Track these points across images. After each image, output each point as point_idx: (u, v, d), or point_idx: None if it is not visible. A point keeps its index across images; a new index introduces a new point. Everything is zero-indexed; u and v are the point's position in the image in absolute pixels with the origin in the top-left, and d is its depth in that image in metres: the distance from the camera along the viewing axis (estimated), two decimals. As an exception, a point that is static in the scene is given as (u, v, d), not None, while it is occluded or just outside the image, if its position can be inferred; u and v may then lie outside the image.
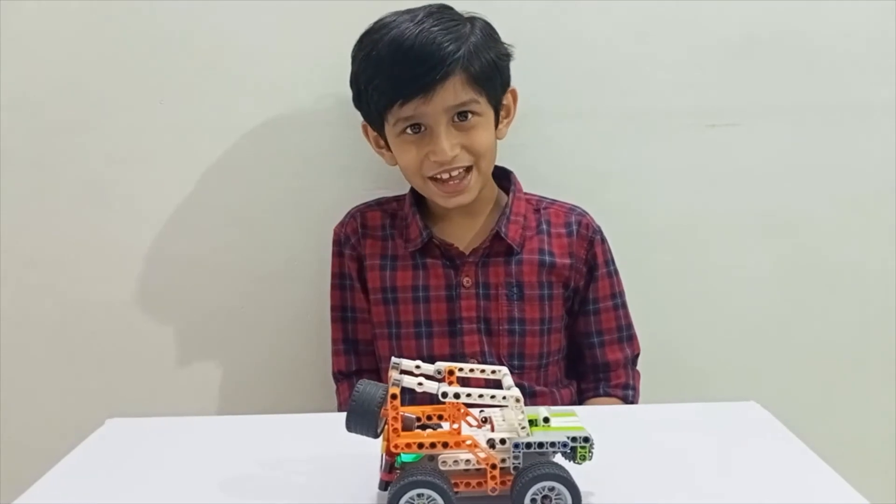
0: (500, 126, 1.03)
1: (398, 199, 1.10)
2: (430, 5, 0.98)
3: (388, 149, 1.04)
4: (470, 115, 0.98)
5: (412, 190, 1.08)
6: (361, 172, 1.17)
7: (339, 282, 1.10)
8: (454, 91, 0.95)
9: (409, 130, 0.98)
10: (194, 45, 1.13)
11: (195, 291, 1.19)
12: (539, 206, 1.08)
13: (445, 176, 0.99)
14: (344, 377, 1.10)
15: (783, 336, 1.23)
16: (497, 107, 1.01)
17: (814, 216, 1.21)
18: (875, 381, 1.24)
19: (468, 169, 0.99)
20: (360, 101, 1.01)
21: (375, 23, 0.98)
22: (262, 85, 1.14)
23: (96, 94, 1.14)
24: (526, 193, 1.09)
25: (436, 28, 0.94)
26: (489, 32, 0.99)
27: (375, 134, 1.04)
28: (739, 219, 1.20)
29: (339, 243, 1.09)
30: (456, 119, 0.97)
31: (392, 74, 0.94)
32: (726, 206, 1.20)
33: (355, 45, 1.00)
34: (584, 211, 1.09)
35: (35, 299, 1.19)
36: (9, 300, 1.19)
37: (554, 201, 1.10)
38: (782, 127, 1.18)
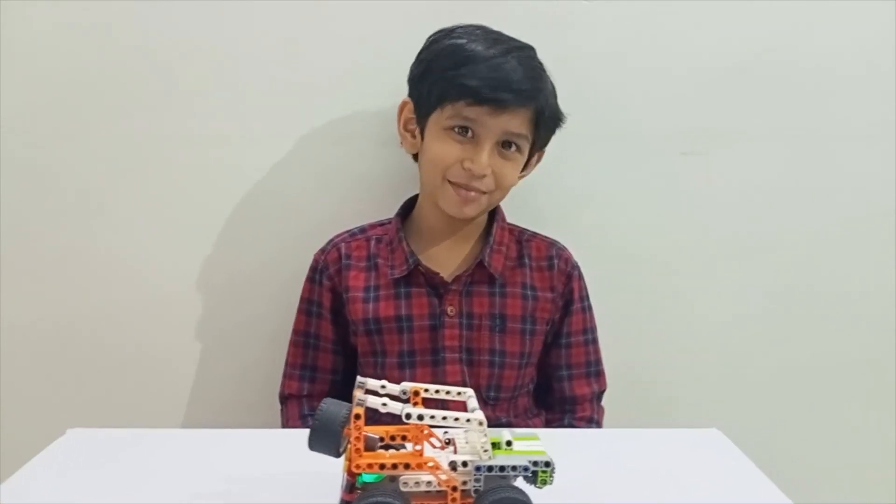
0: (520, 174, 1.06)
1: (382, 224, 1.10)
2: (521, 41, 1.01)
3: (414, 136, 1.05)
4: (513, 148, 1.01)
5: (398, 215, 1.09)
6: (347, 189, 1.17)
7: (308, 307, 1.08)
8: (518, 120, 0.98)
9: (457, 130, 0.99)
10: (189, 55, 1.13)
11: (170, 303, 1.18)
12: (521, 237, 1.10)
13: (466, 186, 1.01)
14: (293, 398, 1.08)
15: (754, 363, 1.25)
16: (530, 157, 1.05)
17: (788, 244, 1.23)
18: (845, 410, 1.26)
19: (483, 193, 1.01)
20: (423, 79, 1.01)
21: (466, 25, 1.01)
22: (254, 98, 1.14)
23: (90, 103, 1.13)
24: (509, 224, 1.10)
25: (530, 61, 1.00)
26: (556, 93, 1.04)
27: (411, 117, 1.05)
28: (712, 245, 1.22)
29: (317, 270, 1.08)
30: (501, 146, 1.00)
31: (479, 74, 0.95)
32: (700, 232, 1.22)
33: (439, 33, 1.01)
34: (563, 246, 1.11)
35: (8, 307, 1.17)
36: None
37: (535, 234, 1.11)
38: (757, 154, 1.20)
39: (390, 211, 1.11)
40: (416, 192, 1.10)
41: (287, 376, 1.09)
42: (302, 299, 1.09)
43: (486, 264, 1.04)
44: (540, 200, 1.18)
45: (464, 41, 0.99)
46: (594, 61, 1.16)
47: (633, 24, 1.16)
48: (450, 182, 1.01)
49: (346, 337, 1.08)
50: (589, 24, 1.15)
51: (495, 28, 1.02)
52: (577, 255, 1.11)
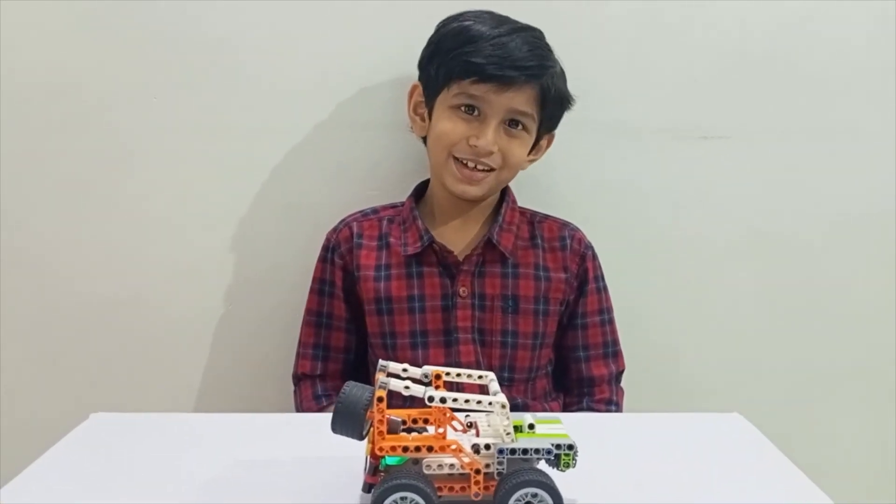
0: (529, 156, 1.06)
1: (394, 206, 1.11)
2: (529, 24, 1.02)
3: (424, 119, 1.05)
4: (519, 127, 1.01)
5: (412, 196, 1.09)
6: (353, 176, 1.17)
7: (320, 287, 1.09)
8: (524, 98, 0.99)
9: (463, 108, 1.00)
10: (188, 43, 1.13)
11: (183, 291, 1.18)
12: (533, 219, 1.10)
13: (471, 164, 1.01)
14: (307, 378, 1.09)
15: (771, 349, 1.24)
16: (538, 138, 1.05)
17: (801, 233, 1.22)
18: (857, 396, 1.26)
19: (491, 170, 1.02)
20: (431, 61, 1.02)
21: (474, 10, 1.02)
22: (256, 85, 1.14)
23: (85, 92, 1.13)
24: (520, 207, 1.10)
25: (536, 40, 1.00)
26: (565, 76, 1.04)
27: (420, 100, 1.05)
28: (728, 232, 1.21)
29: (328, 249, 1.09)
30: (507, 124, 1.00)
31: (484, 52, 0.96)
32: (716, 219, 1.21)
33: (448, 18, 1.02)
34: (576, 227, 1.10)
35: (19, 297, 1.17)
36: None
37: (547, 216, 1.11)
38: (772, 144, 1.19)
39: (401, 196, 1.11)
40: (427, 177, 1.10)
41: (300, 356, 1.10)
42: (314, 279, 1.10)
43: (494, 242, 1.04)
44: (557, 188, 1.18)
45: (470, 23, 0.99)
46: (610, 48, 1.16)
47: (649, 9, 1.15)
48: (455, 159, 1.01)
49: (358, 316, 1.08)
50: (605, 9, 1.15)
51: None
52: (599, 241, 1.11)
